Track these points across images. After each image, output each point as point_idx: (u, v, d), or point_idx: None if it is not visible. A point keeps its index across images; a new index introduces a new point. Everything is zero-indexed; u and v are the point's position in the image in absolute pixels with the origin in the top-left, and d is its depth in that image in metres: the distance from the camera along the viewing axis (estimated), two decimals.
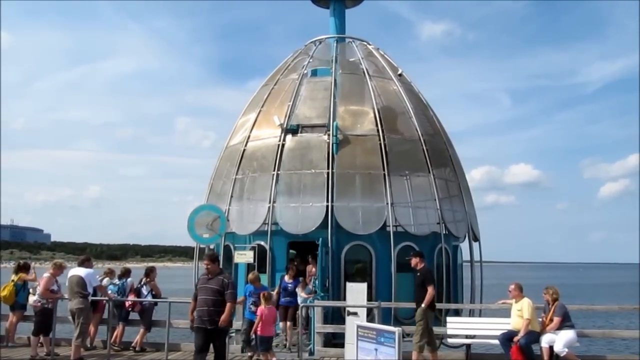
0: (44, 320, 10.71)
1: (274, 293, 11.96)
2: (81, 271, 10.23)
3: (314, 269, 14.02)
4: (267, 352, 9.90)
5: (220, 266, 8.80)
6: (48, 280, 10.56)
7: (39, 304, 10.68)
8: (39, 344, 10.69)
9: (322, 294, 13.15)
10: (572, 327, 10.09)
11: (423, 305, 9.85)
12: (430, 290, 9.78)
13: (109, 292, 11.19)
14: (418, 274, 10.23)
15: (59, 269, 10.87)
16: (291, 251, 16.12)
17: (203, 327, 8.04)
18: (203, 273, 8.32)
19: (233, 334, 11.79)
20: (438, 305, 14.21)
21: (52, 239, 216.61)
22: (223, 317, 7.97)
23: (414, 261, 10.28)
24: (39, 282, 11.21)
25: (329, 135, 15.10)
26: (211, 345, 8.22)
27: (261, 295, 10.13)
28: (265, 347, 9.93)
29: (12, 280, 11.89)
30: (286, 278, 12.77)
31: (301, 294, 12.90)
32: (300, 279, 13.53)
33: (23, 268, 12.25)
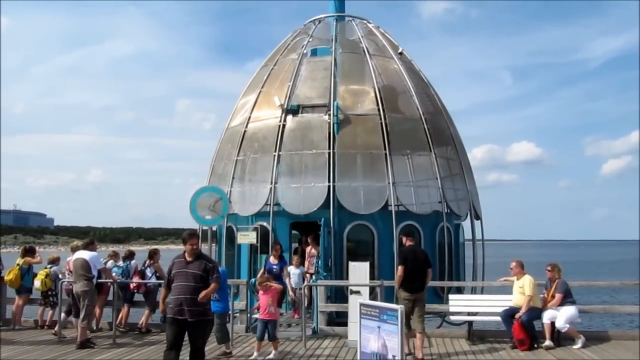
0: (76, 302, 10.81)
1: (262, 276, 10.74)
2: (85, 254, 10.30)
3: (313, 250, 13.97)
4: (272, 340, 9.21)
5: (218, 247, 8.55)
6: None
7: (70, 286, 10.77)
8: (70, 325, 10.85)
9: (324, 274, 13.23)
10: (573, 303, 10.16)
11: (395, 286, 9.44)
12: (398, 270, 9.25)
13: (114, 274, 11.26)
14: None
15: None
16: (294, 232, 16.21)
17: (182, 318, 6.84)
18: (178, 256, 7.10)
19: (237, 314, 11.89)
20: (440, 283, 14.41)
21: (55, 223, 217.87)
22: (204, 292, 6.82)
23: (402, 240, 9.87)
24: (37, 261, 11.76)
25: (329, 115, 15.06)
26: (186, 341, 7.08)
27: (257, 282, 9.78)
28: (261, 334, 9.18)
29: (18, 264, 12.00)
30: (271, 259, 12.28)
31: (289, 282, 12.45)
32: (296, 258, 13.39)
33: (28, 252, 12.35)
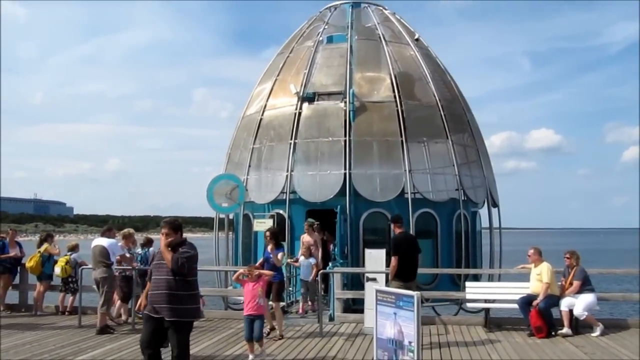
0: (125, 287, 11.04)
1: (257, 264, 9.75)
2: (104, 241, 10.42)
3: (308, 237, 13.17)
4: (256, 340, 8.02)
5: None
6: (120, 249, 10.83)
7: (118, 273, 10.98)
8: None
9: (341, 261, 13.26)
10: (592, 290, 10.06)
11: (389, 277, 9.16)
12: (392, 261, 8.96)
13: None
14: None
15: (128, 238, 11.25)
16: (310, 220, 16.22)
17: (157, 316, 6.04)
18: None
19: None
20: (456, 271, 14.39)
21: (75, 212, 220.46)
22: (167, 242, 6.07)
23: (392, 227, 9.60)
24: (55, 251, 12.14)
25: (345, 102, 15.03)
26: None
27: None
28: (249, 333, 8.02)
29: (39, 252, 12.21)
30: (268, 248, 10.11)
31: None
32: (303, 248, 12.62)
33: (48, 238, 12.57)
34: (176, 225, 6.28)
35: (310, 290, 12.27)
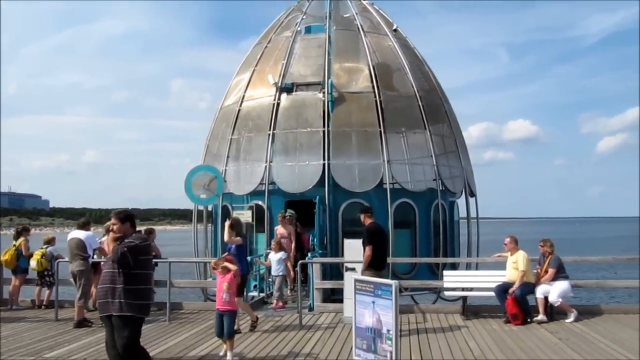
0: None
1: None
2: (81, 234, 10.32)
3: (281, 230, 13.06)
4: (227, 337, 7.65)
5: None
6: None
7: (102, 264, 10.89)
8: None
9: (320, 251, 13.30)
10: (566, 278, 10.26)
11: (362, 267, 9.15)
12: (367, 250, 9.01)
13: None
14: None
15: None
16: (290, 211, 16.22)
17: (106, 315, 5.75)
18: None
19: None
20: (434, 260, 14.53)
21: (51, 205, 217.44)
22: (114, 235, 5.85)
23: (361, 217, 9.60)
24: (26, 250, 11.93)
25: (324, 93, 15.01)
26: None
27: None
28: (219, 329, 7.69)
29: (14, 245, 12.06)
30: (226, 238, 9.82)
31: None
32: (273, 242, 12.36)
33: (24, 232, 12.40)
34: (124, 216, 5.93)
35: (280, 287, 11.84)
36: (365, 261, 9.07)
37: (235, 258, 8.61)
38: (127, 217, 5.99)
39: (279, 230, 13.19)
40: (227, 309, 7.68)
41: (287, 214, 13.60)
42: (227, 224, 9.53)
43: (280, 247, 12.19)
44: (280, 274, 11.90)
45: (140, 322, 5.91)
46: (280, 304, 11.73)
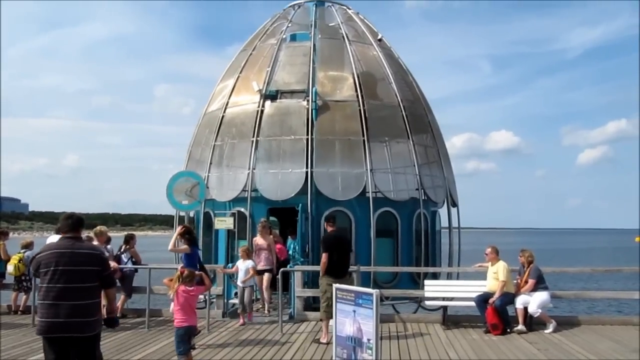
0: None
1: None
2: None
3: (260, 240, 12.47)
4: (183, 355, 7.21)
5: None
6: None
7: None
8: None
9: (302, 259, 13.26)
10: (546, 288, 10.36)
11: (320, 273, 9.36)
12: (322, 257, 9.23)
13: None
14: None
15: (100, 236, 11.05)
16: (272, 218, 16.16)
17: (62, 336, 4.90)
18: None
19: (214, 300, 11.86)
20: (416, 269, 14.56)
21: (30, 209, 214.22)
22: (112, 306, 5.54)
23: (325, 225, 9.98)
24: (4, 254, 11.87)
25: (308, 101, 15.01)
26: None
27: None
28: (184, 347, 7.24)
29: None
30: (182, 247, 9.52)
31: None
32: (241, 250, 11.50)
33: (2, 235, 12.20)
34: (76, 221, 5.50)
35: (249, 299, 11.09)
36: (321, 268, 9.31)
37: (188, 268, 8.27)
38: (78, 222, 5.58)
39: (258, 241, 12.56)
40: (186, 325, 7.31)
41: (265, 222, 13.06)
42: (177, 230, 9.46)
43: (248, 255, 11.33)
44: (250, 284, 11.07)
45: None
46: (246, 319, 11.00)
